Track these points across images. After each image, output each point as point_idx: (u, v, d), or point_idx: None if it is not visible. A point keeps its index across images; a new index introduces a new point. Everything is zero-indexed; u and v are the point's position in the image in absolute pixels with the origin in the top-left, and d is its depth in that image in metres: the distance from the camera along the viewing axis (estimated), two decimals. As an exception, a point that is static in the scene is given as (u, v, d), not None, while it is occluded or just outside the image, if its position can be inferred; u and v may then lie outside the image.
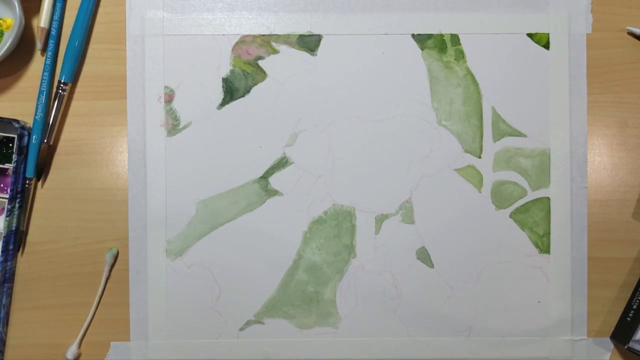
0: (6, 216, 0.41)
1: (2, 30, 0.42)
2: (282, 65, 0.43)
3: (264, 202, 0.43)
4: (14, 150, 0.41)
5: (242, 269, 0.43)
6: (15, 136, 0.41)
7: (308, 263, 0.43)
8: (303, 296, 0.43)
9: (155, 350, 0.43)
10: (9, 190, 0.41)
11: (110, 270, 0.43)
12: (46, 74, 0.43)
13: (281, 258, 0.43)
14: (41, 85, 0.43)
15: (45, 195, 0.43)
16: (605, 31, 0.44)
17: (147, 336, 0.43)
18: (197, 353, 0.43)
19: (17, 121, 0.41)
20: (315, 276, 0.43)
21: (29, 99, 0.43)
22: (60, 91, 0.42)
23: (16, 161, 0.41)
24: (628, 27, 0.44)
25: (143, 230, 0.43)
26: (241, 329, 0.43)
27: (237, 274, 0.43)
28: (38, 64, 0.43)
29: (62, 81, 0.42)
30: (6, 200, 0.41)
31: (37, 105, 0.42)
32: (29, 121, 0.43)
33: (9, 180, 0.42)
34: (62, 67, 0.42)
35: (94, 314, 0.43)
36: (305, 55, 0.43)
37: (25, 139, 0.42)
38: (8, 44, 0.41)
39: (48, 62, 0.43)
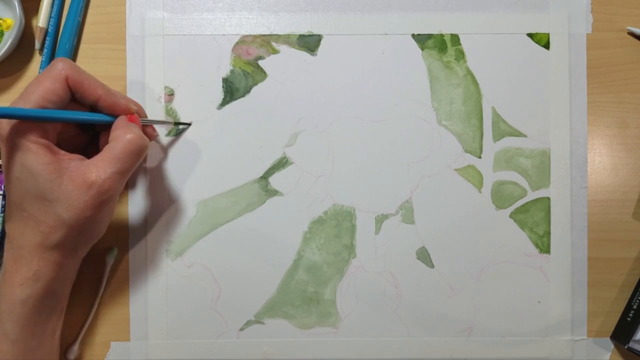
0: (1, 212, 0.41)
1: (2, 30, 0.42)
2: (282, 65, 0.43)
3: (264, 202, 0.43)
4: None
5: (242, 269, 0.43)
6: None
7: (308, 263, 0.43)
8: (303, 296, 0.43)
9: (155, 350, 0.43)
10: (2, 187, 0.41)
11: (110, 270, 0.43)
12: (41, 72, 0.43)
13: (281, 258, 0.43)
14: None
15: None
16: (605, 31, 0.44)
17: (147, 336, 0.43)
18: (197, 353, 0.43)
19: None
20: (315, 276, 0.43)
21: (29, 99, 0.43)
22: None
23: None
24: (628, 27, 0.44)
25: (143, 230, 0.43)
26: (241, 329, 0.43)
27: (237, 274, 0.43)
28: (37, 63, 0.43)
29: None
30: (0, 197, 0.41)
31: None
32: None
33: (3, 177, 0.42)
34: None
35: (94, 314, 0.43)
36: (305, 55, 0.43)
37: None
38: (8, 44, 0.41)
39: (44, 60, 0.43)
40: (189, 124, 0.43)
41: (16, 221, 0.35)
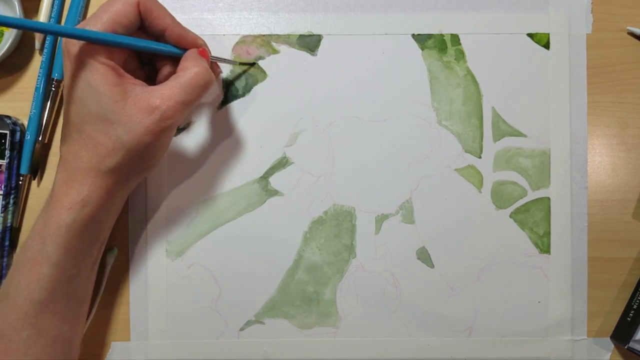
0: (1, 212, 0.41)
1: (2, 30, 0.42)
2: (282, 65, 0.43)
3: (264, 202, 0.43)
4: (7, 146, 0.41)
5: (242, 269, 0.43)
6: (8, 132, 0.41)
7: (308, 263, 0.43)
8: (303, 296, 0.43)
9: (155, 350, 0.43)
10: (3, 186, 0.41)
11: (110, 270, 0.43)
12: (42, 71, 0.42)
13: (281, 258, 0.43)
14: (37, 83, 0.43)
15: (45, 195, 0.43)
16: (605, 31, 0.44)
17: (147, 336, 0.43)
18: (197, 353, 0.43)
19: (9, 117, 0.42)
20: (316, 276, 0.43)
21: (29, 99, 0.43)
22: (53, 88, 0.42)
23: (9, 157, 0.41)
24: (628, 27, 0.44)
25: (143, 230, 0.43)
26: (241, 329, 0.43)
27: (237, 274, 0.43)
28: (37, 63, 0.43)
29: (55, 78, 0.42)
30: (0, 197, 0.41)
31: (32, 102, 0.42)
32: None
33: (3, 176, 0.42)
34: (55, 64, 0.43)
35: (94, 314, 0.43)
36: (305, 55, 0.43)
37: (18, 135, 0.42)
38: (8, 44, 0.41)
39: (44, 60, 0.43)
40: (253, 64, 0.43)
41: (73, 143, 0.35)
